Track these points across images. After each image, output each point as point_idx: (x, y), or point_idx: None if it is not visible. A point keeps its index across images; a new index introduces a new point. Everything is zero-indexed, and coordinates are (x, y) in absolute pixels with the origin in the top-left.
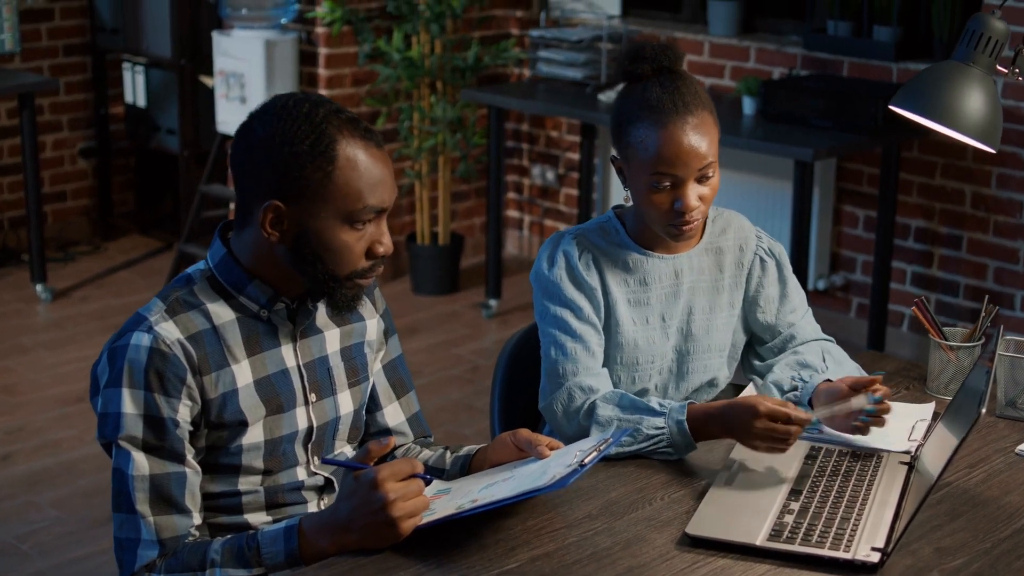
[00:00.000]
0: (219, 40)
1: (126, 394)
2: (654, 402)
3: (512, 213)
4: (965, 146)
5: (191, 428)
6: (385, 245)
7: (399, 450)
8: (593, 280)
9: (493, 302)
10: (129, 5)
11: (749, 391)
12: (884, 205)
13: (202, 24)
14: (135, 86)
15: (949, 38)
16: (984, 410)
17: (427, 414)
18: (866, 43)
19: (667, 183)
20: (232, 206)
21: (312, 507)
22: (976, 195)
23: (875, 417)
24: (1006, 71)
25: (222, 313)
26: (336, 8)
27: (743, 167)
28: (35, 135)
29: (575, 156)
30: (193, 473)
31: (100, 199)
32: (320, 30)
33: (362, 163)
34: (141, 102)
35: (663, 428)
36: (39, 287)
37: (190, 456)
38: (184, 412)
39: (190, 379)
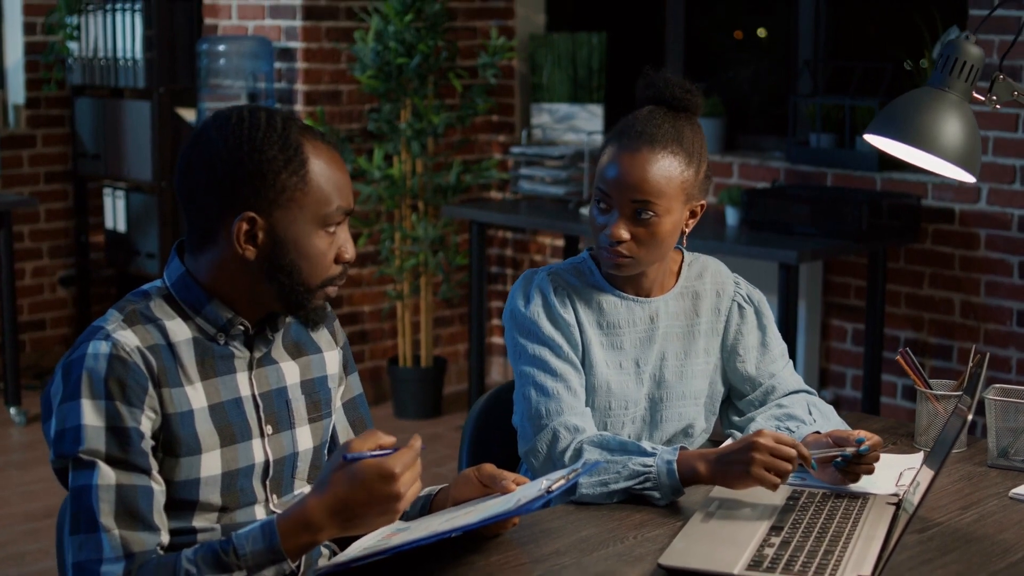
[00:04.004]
0: None
1: (86, 405)
2: (645, 444)
3: (496, 340)
4: (952, 254)
5: (152, 443)
6: (350, 251)
7: None
8: (570, 317)
9: None
10: (111, 130)
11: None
12: (872, 317)
13: (182, 146)
14: (115, 211)
15: None
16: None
17: None
18: (849, 154)
19: (604, 204)
20: None
21: None
22: (965, 304)
23: (864, 464)
24: (983, 98)
25: (178, 331)
26: (316, 127)
27: None
28: (12, 257)
29: None
30: (160, 490)
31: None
32: None
33: (328, 165)
34: (121, 227)
35: (651, 467)
36: (12, 410)
37: (155, 471)
38: (146, 424)
39: (151, 389)
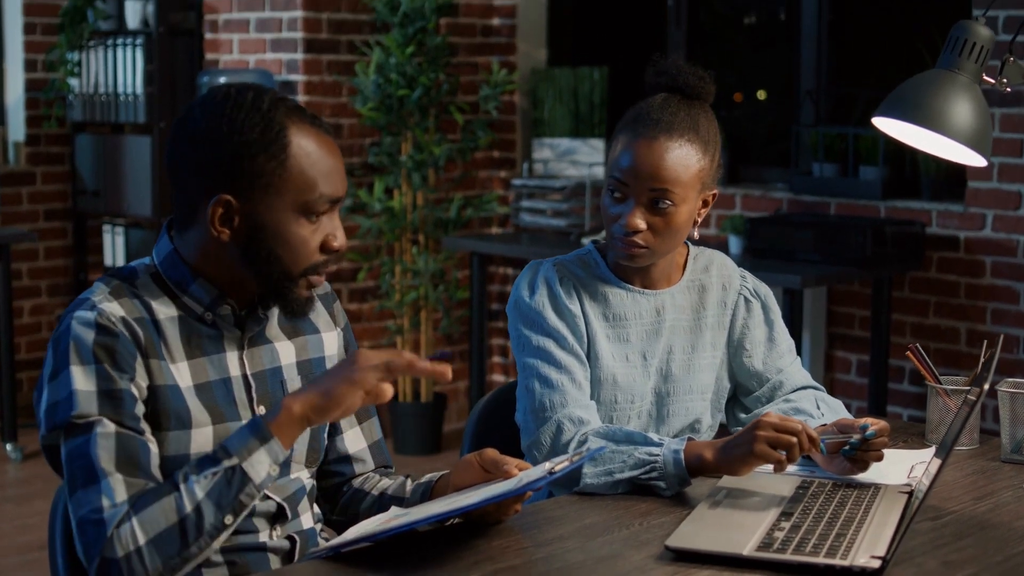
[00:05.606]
0: None
1: (76, 371)
2: (652, 435)
3: (497, 377)
4: (958, 282)
5: (143, 409)
6: (339, 239)
7: (357, 480)
8: (575, 308)
9: None
10: (111, 166)
11: None
12: (876, 346)
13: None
14: (115, 248)
15: (936, 175)
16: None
17: None
18: (852, 182)
19: (619, 194)
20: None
21: (263, 537)
22: (971, 332)
23: (872, 451)
24: (993, 80)
25: (163, 309)
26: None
27: None
28: (10, 294)
29: None
30: (156, 451)
31: None
32: None
33: (315, 151)
34: (121, 264)
35: (657, 456)
36: (9, 446)
37: (148, 433)
38: (135, 391)
39: (139, 358)
